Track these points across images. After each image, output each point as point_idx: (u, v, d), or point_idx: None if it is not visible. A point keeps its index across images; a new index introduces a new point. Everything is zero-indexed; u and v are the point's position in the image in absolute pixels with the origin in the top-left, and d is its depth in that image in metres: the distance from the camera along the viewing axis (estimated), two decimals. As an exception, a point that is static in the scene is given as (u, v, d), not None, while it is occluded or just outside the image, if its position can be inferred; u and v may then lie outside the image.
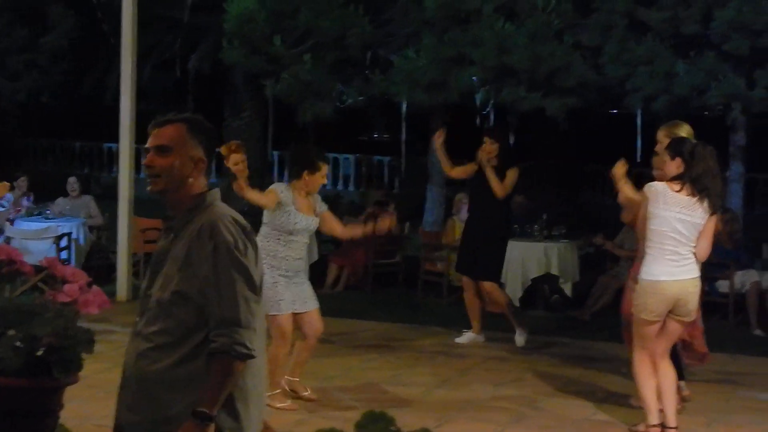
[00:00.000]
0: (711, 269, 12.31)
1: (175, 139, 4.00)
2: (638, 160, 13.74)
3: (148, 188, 4.04)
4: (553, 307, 13.06)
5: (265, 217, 8.32)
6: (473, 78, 14.39)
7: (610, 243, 12.88)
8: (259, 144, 20.09)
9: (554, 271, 12.87)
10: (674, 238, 7.47)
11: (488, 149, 10.82)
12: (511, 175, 10.70)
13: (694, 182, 7.49)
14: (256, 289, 3.89)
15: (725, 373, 10.12)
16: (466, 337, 11.15)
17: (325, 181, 8.71)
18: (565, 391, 9.24)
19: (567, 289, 13.06)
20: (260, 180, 19.34)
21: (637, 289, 7.60)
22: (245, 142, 19.80)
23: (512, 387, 9.35)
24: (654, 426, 7.68)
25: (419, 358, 10.40)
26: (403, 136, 16.71)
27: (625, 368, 9.47)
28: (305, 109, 15.27)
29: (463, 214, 13.82)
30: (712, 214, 7.52)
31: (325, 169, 8.41)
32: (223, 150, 10.52)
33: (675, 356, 8.96)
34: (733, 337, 11.80)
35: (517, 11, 14.30)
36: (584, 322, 12.38)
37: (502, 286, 11.55)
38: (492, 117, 15.08)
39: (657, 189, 7.56)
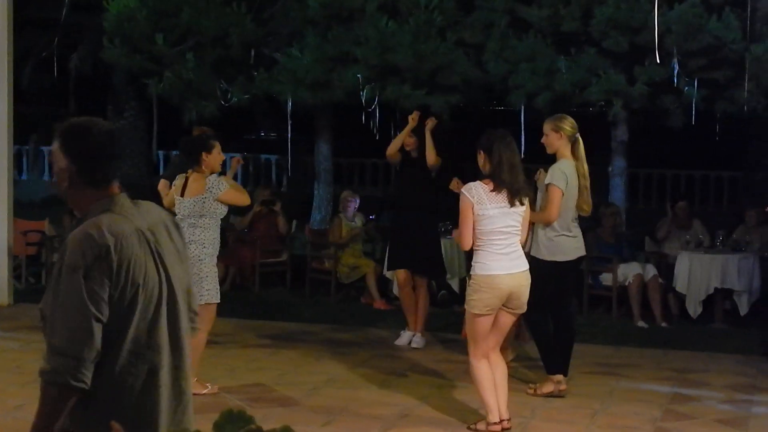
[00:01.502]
0: (594, 262, 12.53)
1: (53, 154, 3.92)
2: (522, 156, 13.85)
3: None
4: (440, 303, 13.10)
5: (203, 209, 8.69)
6: (358, 76, 14.39)
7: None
8: (143, 144, 19.86)
9: (441, 267, 12.92)
10: (504, 232, 7.57)
11: (407, 142, 10.86)
12: (437, 159, 10.78)
13: (493, 177, 7.59)
14: (89, 316, 3.63)
15: (609, 365, 10.26)
16: (406, 337, 11.08)
17: (223, 157, 9.13)
18: (452, 386, 9.29)
19: (454, 284, 13.12)
20: (146, 179, 19.14)
21: (471, 284, 7.65)
22: (129, 143, 19.77)
23: (399, 384, 9.37)
24: (495, 424, 7.75)
25: (306, 357, 10.36)
26: (289, 135, 16.62)
27: (512, 362, 9.59)
28: (189, 108, 15.13)
29: (350, 212, 13.83)
30: (521, 205, 7.64)
31: (218, 146, 8.87)
32: (195, 131, 10.75)
33: (558, 351, 9.09)
34: (617, 329, 11.98)
35: (399, 9, 14.32)
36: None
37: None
38: (378, 114, 15.07)
39: (478, 190, 7.61)
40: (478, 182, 7.66)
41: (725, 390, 9.41)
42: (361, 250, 13.95)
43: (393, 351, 10.73)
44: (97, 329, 3.65)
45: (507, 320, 7.83)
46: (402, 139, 10.93)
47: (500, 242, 7.56)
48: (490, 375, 7.74)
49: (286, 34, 15.13)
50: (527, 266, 7.75)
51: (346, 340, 11.21)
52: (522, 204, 7.64)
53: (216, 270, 8.80)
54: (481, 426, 7.87)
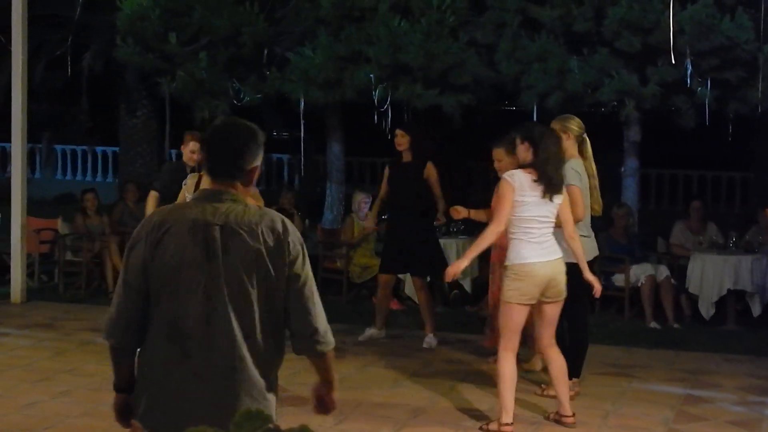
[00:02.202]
0: (606, 263, 12.50)
1: None
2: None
3: None
4: (452, 303, 13.10)
5: None
6: (370, 75, 14.39)
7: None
8: (156, 143, 19.87)
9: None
10: (540, 221, 7.62)
11: (399, 141, 10.86)
12: (433, 172, 10.77)
13: (538, 168, 7.62)
14: (121, 282, 4.11)
15: (620, 366, 10.25)
16: (368, 333, 11.18)
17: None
18: (463, 386, 9.29)
19: (466, 284, 13.12)
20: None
21: (507, 275, 7.67)
22: (141, 142, 19.79)
23: (410, 383, 9.37)
24: (507, 425, 7.74)
25: (318, 356, 10.35)
26: (302, 134, 16.63)
27: (524, 364, 9.56)
28: (201, 107, 15.13)
29: (363, 213, 13.83)
30: (550, 201, 7.66)
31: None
32: (187, 136, 10.99)
33: (572, 353, 9.08)
34: (629, 330, 11.96)
35: (412, 9, 14.31)
36: (483, 318, 12.44)
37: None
38: (390, 114, 15.07)
39: (520, 177, 7.66)
40: (519, 170, 7.70)
41: (738, 391, 9.40)
42: (373, 249, 13.94)
43: (405, 350, 10.72)
44: (129, 293, 4.07)
45: (552, 311, 7.86)
46: (378, 204, 11.48)
47: (535, 231, 7.61)
48: (514, 373, 7.74)
49: (298, 34, 15.12)
50: (561, 254, 7.77)
51: (361, 340, 11.19)
52: (552, 200, 7.65)
53: None
54: (493, 426, 7.86)
